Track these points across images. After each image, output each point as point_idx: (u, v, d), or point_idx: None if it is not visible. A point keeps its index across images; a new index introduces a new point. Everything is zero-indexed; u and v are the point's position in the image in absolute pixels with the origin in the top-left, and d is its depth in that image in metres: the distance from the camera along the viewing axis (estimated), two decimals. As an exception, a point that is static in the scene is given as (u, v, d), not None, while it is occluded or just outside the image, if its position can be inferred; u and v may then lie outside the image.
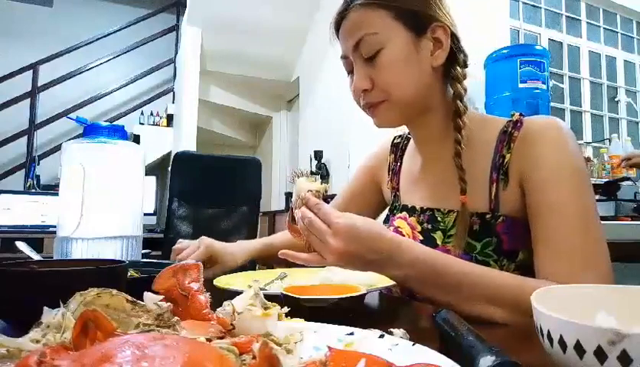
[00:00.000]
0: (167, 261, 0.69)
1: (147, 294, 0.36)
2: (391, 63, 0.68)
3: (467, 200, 0.69)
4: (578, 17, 3.27)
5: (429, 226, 0.76)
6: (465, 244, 0.69)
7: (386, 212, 0.94)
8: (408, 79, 0.69)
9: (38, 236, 2.65)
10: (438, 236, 0.74)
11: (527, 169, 0.67)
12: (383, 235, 0.58)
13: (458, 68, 0.72)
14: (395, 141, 0.94)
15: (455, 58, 0.72)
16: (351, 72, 0.74)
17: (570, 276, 0.58)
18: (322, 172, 3.22)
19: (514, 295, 0.56)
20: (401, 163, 0.90)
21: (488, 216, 0.69)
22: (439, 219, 0.75)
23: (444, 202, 0.75)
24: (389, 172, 0.92)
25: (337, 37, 0.75)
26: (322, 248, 0.58)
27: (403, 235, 0.79)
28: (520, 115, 0.72)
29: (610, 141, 2.84)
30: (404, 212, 0.82)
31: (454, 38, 0.71)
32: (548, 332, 0.32)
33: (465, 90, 0.72)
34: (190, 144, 3.59)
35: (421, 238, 0.77)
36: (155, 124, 4.20)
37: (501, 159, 0.70)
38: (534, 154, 0.66)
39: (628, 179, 1.92)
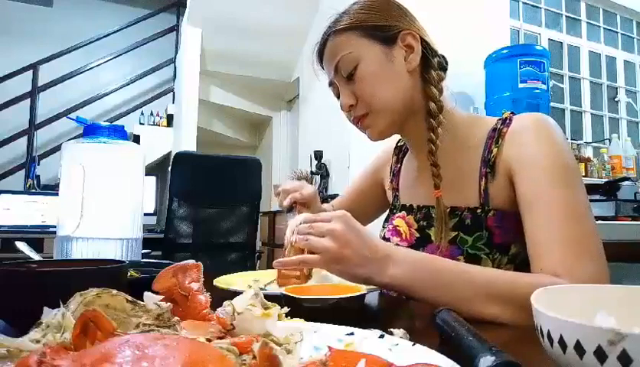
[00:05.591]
0: (167, 261, 0.69)
1: (147, 294, 0.36)
2: (368, 75, 0.73)
3: (441, 195, 0.73)
4: (578, 17, 3.27)
5: (425, 223, 0.79)
6: (447, 238, 0.72)
7: (386, 213, 0.95)
8: (386, 87, 0.73)
9: (38, 236, 2.65)
10: (432, 232, 0.76)
11: (513, 162, 0.68)
12: (378, 239, 0.62)
13: (432, 71, 0.75)
14: (399, 144, 0.96)
15: (429, 62, 0.75)
16: (338, 96, 0.78)
17: (566, 266, 0.58)
18: (322, 172, 3.21)
19: (511, 291, 0.57)
20: (401, 164, 0.92)
21: (478, 211, 0.71)
22: (433, 215, 0.77)
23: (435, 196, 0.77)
24: (390, 173, 0.95)
25: (322, 67, 0.80)
26: (321, 243, 0.59)
27: (401, 233, 0.82)
28: (512, 113, 0.75)
29: (610, 141, 2.84)
30: (403, 212, 0.85)
31: (424, 43, 0.75)
32: (548, 332, 0.32)
33: (441, 91, 0.75)
34: (190, 144, 3.59)
35: (417, 235, 0.80)
36: (155, 124, 4.20)
37: (489, 154, 0.72)
38: (520, 147, 0.68)
39: (628, 179, 1.92)
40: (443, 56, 0.78)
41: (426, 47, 0.75)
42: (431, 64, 0.75)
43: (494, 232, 0.69)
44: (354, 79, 0.73)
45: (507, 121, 0.73)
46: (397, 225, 0.84)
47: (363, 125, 0.76)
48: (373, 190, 1.01)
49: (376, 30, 0.73)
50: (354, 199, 1.04)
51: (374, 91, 0.73)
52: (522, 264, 0.67)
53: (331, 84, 0.79)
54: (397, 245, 0.81)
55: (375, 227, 0.94)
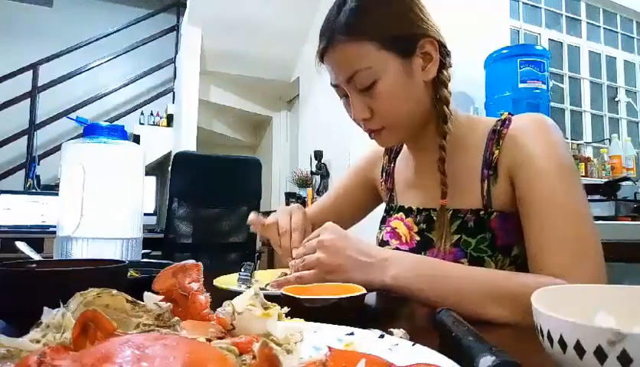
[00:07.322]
0: (167, 261, 0.69)
1: (147, 294, 0.36)
2: (388, 93, 0.68)
3: (446, 203, 0.73)
4: (578, 17, 3.27)
5: (425, 226, 0.78)
6: (450, 242, 0.72)
7: (379, 214, 0.94)
8: (404, 102, 0.70)
9: (38, 236, 2.64)
10: (434, 236, 0.76)
11: (514, 164, 0.68)
12: (373, 245, 0.63)
13: (444, 71, 0.73)
14: None
15: (442, 63, 0.72)
16: (344, 96, 0.73)
17: (565, 267, 0.58)
18: (322, 172, 3.22)
19: (511, 292, 0.57)
20: (394, 164, 0.91)
21: (481, 213, 0.71)
22: (434, 218, 0.76)
23: (439, 202, 0.76)
24: (382, 173, 0.93)
25: (322, 62, 0.73)
26: (313, 257, 0.62)
27: (400, 236, 0.81)
28: (510, 114, 0.74)
29: (610, 141, 2.84)
30: (401, 213, 0.83)
31: (440, 45, 0.71)
32: (548, 332, 0.32)
33: (451, 94, 0.73)
34: (190, 144, 3.59)
35: (417, 238, 0.79)
36: (155, 124, 4.20)
37: (491, 156, 0.71)
38: (520, 148, 0.68)
39: (628, 179, 1.92)
40: (450, 55, 0.74)
41: (442, 51, 0.72)
42: (444, 65, 0.72)
43: (496, 233, 0.69)
44: (372, 94, 0.68)
45: (507, 122, 0.72)
46: (395, 227, 0.83)
47: (376, 136, 0.74)
48: (360, 191, 0.99)
49: (395, 41, 0.67)
50: (341, 198, 1.01)
51: (392, 108, 0.70)
52: (523, 265, 0.67)
53: (336, 86, 0.74)
54: (397, 247, 0.80)
55: (370, 228, 0.93)
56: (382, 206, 0.97)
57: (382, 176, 0.93)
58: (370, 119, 0.71)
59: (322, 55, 0.72)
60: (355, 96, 0.70)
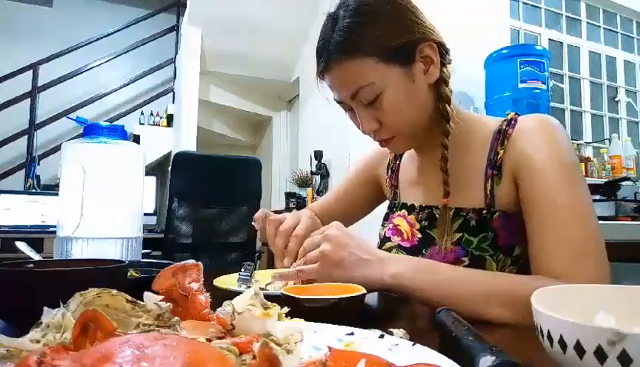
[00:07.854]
0: (167, 261, 0.69)
1: (147, 294, 0.36)
2: (394, 104, 0.68)
3: (447, 203, 0.73)
4: (578, 17, 3.27)
5: (427, 224, 0.78)
6: (451, 240, 0.72)
7: (382, 211, 0.94)
8: (412, 109, 0.71)
9: (38, 236, 2.65)
10: (435, 233, 0.76)
11: (519, 163, 0.68)
12: (373, 245, 0.65)
13: (444, 69, 0.72)
14: None
15: (442, 61, 0.72)
16: (349, 110, 0.74)
17: (566, 268, 0.58)
18: (322, 172, 3.22)
19: (511, 292, 0.57)
20: (400, 161, 0.91)
21: (484, 212, 0.71)
22: (437, 216, 0.77)
23: (442, 200, 0.76)
24: (388, 169, 0.93)
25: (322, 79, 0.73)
26: (317, 250, 0.63)
27: (402, 233, 0.82)
28: (516, 114, 0.74)
29: (610, 141, 2.84)
30: (403, 210, 0.84)
31: (439, 45, 0.71)
32: (548, 332, 0.32)
33: (451, 91, 0.73)
34: (190, 144, 3.59)
35: (419, 235, 0.79)
36: (155, 124, 4.20)
37: (495, 156, 0.71)
38: (526, 148, 0.68)
39: (628, 179, 1.92)
40: (449, 51, 0.74)
41: (441, 50, 0.71)
42: (444, 63, 0.72)
43: (498, 233, 0.69)
44: (378, 106, 0.69)
45: (513, 122, 0.72)
46: (398, 224, 0.83)
47: (387, 144, 0.75)
48: (362, 190, 0.99)
49: (394, 52, 0.67)
50: (343, 197, 1.01)
51: (400, 117, 0.70)
52: (525, 265, 0.67)
53: (340, 102, 0.73)
54: (399, 244, 0.81)
55: (372, 227, 0.94)
56: (384, 205, 0.98)
57: (387, 172, 0.93)
58: (379, 130, 0.72)
59: (322, 74, 0.72)
60: (361, 111, 0.71)
